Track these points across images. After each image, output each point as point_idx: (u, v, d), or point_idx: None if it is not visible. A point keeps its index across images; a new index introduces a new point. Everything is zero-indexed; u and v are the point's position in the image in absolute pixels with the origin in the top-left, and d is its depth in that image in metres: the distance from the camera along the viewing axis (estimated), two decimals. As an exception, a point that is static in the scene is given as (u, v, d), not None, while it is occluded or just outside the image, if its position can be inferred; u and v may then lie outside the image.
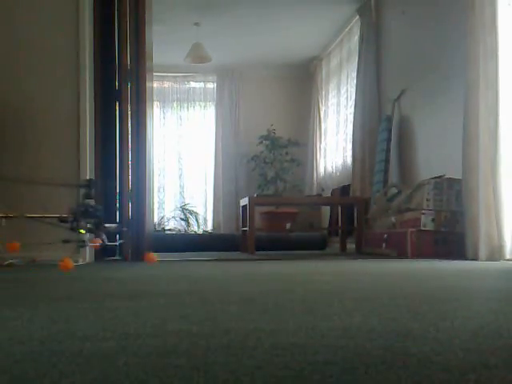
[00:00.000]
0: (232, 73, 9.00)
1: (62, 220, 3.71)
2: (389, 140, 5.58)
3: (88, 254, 3.98)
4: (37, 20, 4.03)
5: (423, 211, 4.19)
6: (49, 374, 0.76)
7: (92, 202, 3.57)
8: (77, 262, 3.79)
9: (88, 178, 3.93)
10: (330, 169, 8.11)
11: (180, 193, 9.06)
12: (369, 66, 6.27)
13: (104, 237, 3.70)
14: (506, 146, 3.70)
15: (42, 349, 0.93)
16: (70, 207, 3.55)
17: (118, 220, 4.37)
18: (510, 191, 3.69)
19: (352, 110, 6.74)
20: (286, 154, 8.47)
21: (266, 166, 8.51)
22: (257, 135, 8.41)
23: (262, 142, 8.45)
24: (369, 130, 6.20)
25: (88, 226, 3.52)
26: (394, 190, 5.02)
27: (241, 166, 8.90)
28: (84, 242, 3.55)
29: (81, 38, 4.03)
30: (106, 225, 3.77)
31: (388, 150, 5.57)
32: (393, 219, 4.66)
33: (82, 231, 3.53)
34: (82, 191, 3.59)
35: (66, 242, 3.48)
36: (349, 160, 6.94)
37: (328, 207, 7.69)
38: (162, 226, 8.54)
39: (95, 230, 3.61)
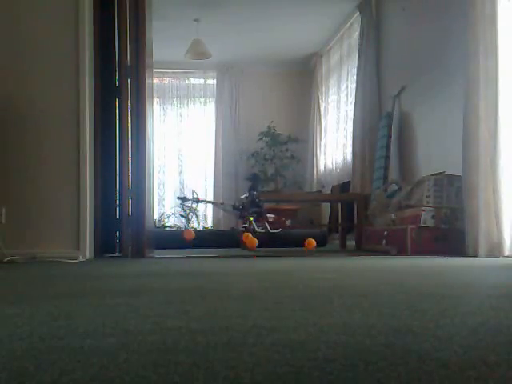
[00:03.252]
0: (232, 69, 8.98)
1: (235, 207, 4.69)
2: (389, 136, 5.58)
3: (88, 251, 3.98)
4: (37, 17, 4.02)
5: (423, 208, 4.19)
6: (49, 370, 0.76)
7: (256, 193, 4.29)
8: (77, 258, 3.79)
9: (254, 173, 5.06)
10: (330, 165, 8.10)
11: (180, 189, 9.05)
12: (369, 63, 6.27)
13: (267, 225, 4.35)
14: (506, 142, 3.70)
15: (43, 345, 0.93)
16: (239, 198, 4.42)
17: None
18: (510, 188, 3.69)
19: (352, 106, 6.73)
20: (286, 150, 8.47)
21: (266, 163, 8.51)
22: (257, 132, 8.41)
23: (262, 139, 8.44)
24: (369, 127, 6.20)
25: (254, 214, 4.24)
26: (394, 187, 5.01)
27: (241, 162, 8.89)
28: (254, 228, 4.30)
29: (81, 35, 4.02)
30: (268, 215, 4.60)
31: (388, 147, 5.56)
32: (393, 216, 4.66)
33: (251, 218, 4.24)
34: (249, 184, 4.48)
35: (233, 229, 4.56)
36: (349, 157, 6.94)
37: (328, 204, 7.69)
38: (162, 223, 8.55)
39: (259, 219, 4.28)
